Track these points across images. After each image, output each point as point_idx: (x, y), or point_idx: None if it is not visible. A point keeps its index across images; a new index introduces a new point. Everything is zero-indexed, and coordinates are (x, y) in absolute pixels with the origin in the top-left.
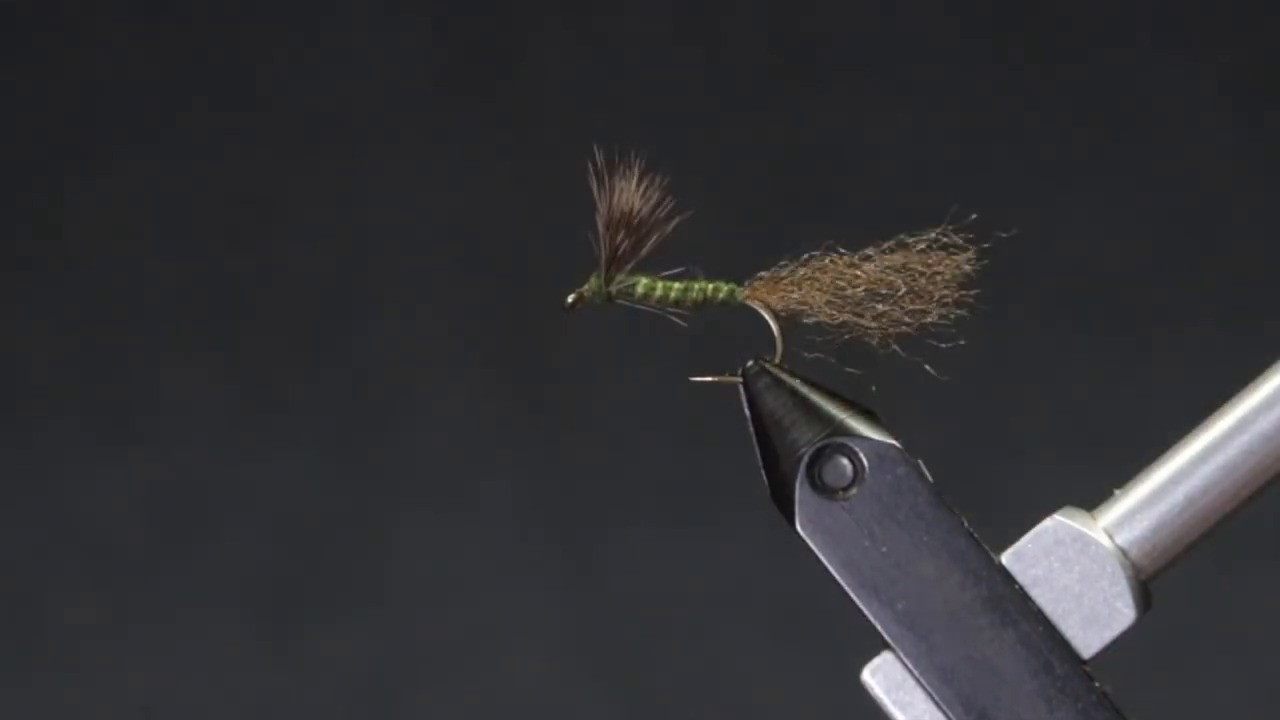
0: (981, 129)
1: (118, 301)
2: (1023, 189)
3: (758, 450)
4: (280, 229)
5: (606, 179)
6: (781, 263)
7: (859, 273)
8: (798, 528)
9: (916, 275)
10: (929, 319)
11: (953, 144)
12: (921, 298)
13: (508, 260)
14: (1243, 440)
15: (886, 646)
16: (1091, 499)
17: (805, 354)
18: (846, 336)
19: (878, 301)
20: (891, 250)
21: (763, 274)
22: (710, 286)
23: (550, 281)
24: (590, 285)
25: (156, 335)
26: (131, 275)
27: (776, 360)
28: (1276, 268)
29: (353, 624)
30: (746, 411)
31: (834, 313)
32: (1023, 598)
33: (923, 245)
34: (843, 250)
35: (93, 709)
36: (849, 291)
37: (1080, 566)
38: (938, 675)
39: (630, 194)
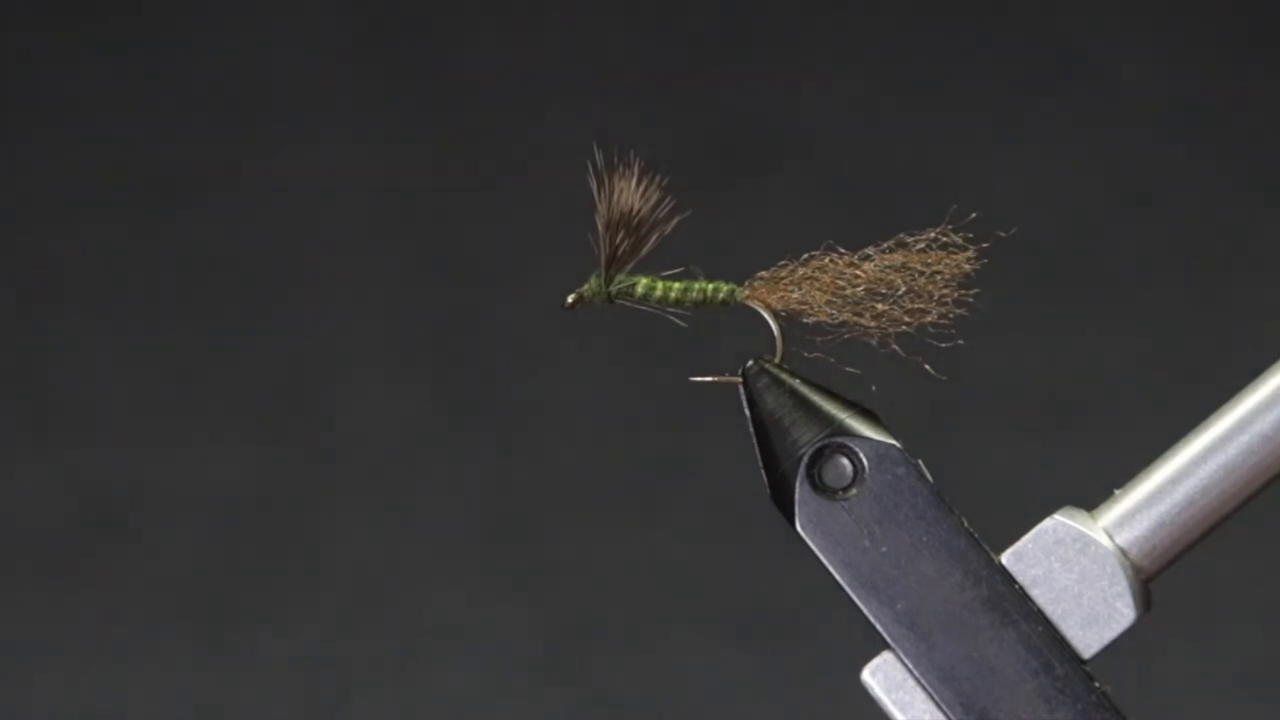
0: (921, 92)
1: (41, 291)
2: (1003, 170)
3: (757, 450)
4: (212, 215)
5: (606, 179)
6: (781, 262)
7: (859, 272)
8: (798, 528)
9: (916, 275)
10: (929, 319)
11: (890, 111)
12: (921, 297)
13: (447, 250)
14: (1243, 440)
15: (886, 646)
16: (1092, 499)
17: (805, 354)
18: (846, 336)
19: (877, 301)
20: (891, 250)
21: (762, 274)
22: (710, 286)
23: (491, 270)
24: (590, 285)
25: (84, 327)
26: (55, 263)
27: (776, 360)
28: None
29: (289, 624)
30: (746, 411)
31: (834, 312)
32: (1023, 598)
33: (922, 245)
34: (842, 250)
35: (27, 709)
36: (849, 291)
37: (1080, 566)
38: (938, 675)
39: (630, 194)
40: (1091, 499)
